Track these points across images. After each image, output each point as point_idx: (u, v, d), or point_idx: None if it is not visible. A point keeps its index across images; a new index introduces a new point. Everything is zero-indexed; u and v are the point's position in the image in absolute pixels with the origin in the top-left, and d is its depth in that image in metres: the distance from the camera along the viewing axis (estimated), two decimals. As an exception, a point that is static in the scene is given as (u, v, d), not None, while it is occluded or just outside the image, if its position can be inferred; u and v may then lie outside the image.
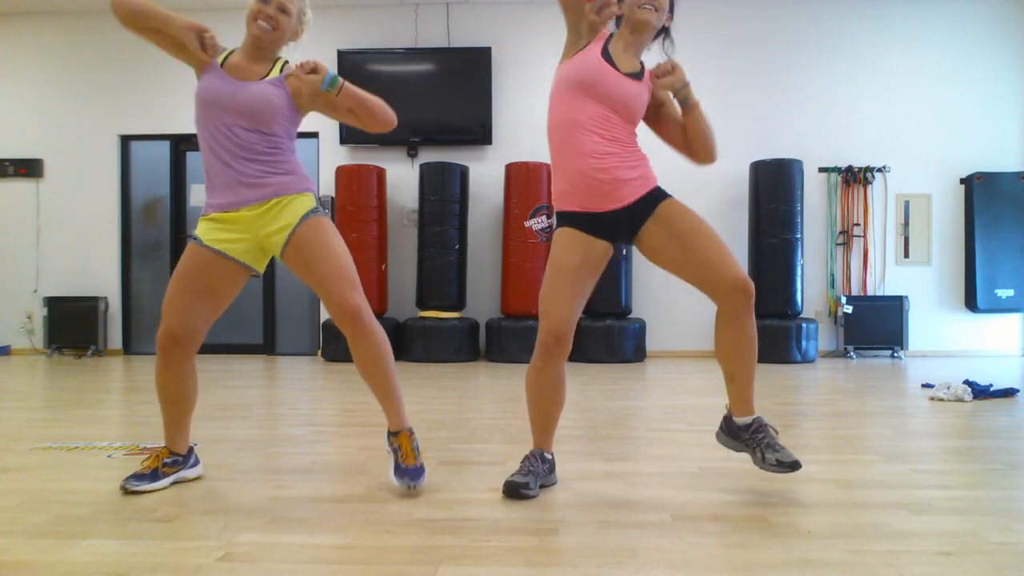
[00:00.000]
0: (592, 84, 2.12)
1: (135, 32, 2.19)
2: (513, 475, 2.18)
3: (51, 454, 2.72)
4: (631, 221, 2.16)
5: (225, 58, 2.26)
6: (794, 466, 2.07)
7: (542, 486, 2.23)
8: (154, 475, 2.23)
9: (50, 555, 1.68)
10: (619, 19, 2.26)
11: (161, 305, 2.21)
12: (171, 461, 2.28)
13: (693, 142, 2.24)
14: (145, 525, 1.89)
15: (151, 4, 2.14)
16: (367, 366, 2.22)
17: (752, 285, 2.08)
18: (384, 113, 2.24)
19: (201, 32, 2.14)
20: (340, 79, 2.16)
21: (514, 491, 2.12)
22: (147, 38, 2.20)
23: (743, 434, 2.18)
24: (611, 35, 2.25)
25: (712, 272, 2.09)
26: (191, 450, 2.36)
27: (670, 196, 2.18)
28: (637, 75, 2.18)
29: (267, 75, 2.23)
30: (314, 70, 2.11)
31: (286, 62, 2.29)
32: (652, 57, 2.24)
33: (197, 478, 2.35)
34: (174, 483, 2.28)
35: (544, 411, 2.24)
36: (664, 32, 2.28)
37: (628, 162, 2.15)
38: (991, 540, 1.77)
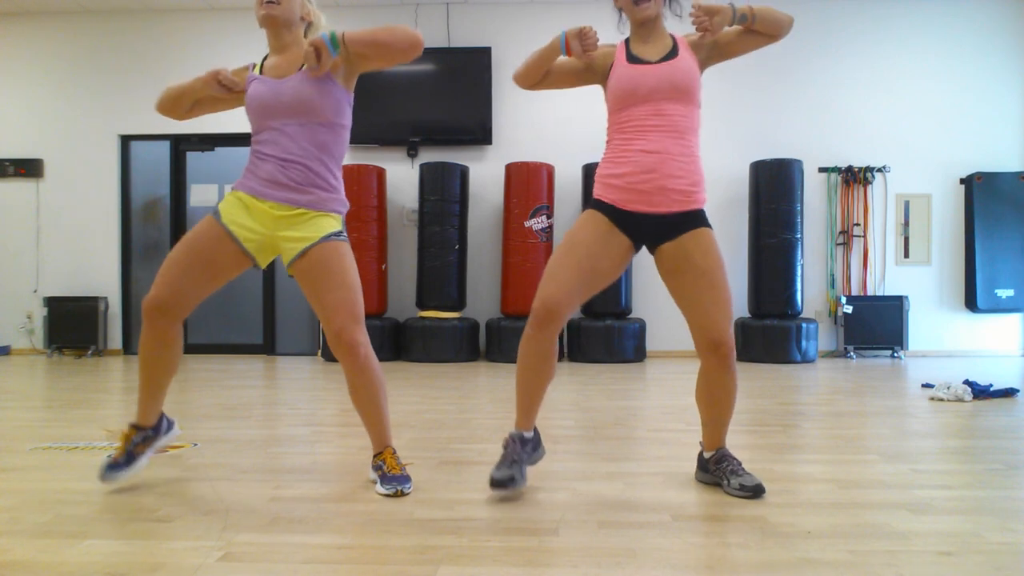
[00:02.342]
0: (633, 91, 2.14)
1: (188, 117, 2.34)
2: (498, 468, 2.14)
3: (51, 454, 2.72)
4: (658, 231, 2.15)
5: (261, 64, 2.27)
6: (756, 490, 2.12)
7: (530, 464, 2.25)
8: (129, 459, 2.20)
9: (50, 555, 1.68)
10: (620, 12, 2.27)
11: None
12: (141, 438, 2.24)
13: (768, 33, 2.19)
14: (145, 525, 1.89)
15: (174, 88, 2.26)
16: (359, 397, 2.23)
17: (728, 346, 2.12)
18: (397, 38, 2.10)
19: (215, 77, 2.19)
20: (338, 34, 2.10)
21: (500, 485, 2.11)
22: (200, 113, 2.34)
23: (710, 466, 2.26)
24: (627, 40, 2.26)
25: (701, 328, 2.12)
26: (161, 417, 2.30)
27: (707, 226, 2.16)
28: (670, 54, 2.18)
29: (303, 64, 2.20)
30: (316, 51, 2.07)
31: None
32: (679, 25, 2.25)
33: (179, 446, 2.31)
34: (157, 453, 2.24)
35: (531, 382, 2.20)
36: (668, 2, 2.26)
37: (677, 167, 2.12)
38: (991, 540, 1.77)
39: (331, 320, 2.15)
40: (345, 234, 2.25)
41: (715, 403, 2.21)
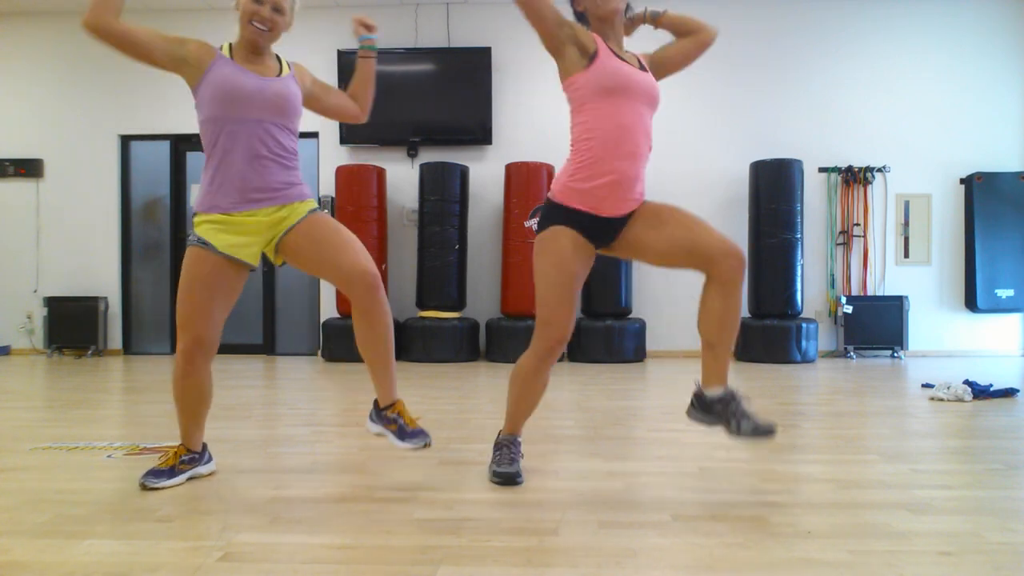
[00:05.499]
0: (627, 87, 2.09)
1: (117, 33, 2.39)
2: (500, 465, 2.28)
3: (51, 454, 2.72)
4: (619, 227, 2.19)
5: (230, 52, 2.27)
6: (769, 430, 2.03)
7: None
8: (172, 472, 2.27)
9: (50, 555, 1.68)
10: (581, 17, 2.21)
11: (169, 308, 2.27)
12: (188, 459, 2.32)
13: (685, 39, 2.28)
14: (145, 525, 1.89)
15: None
16: (374, 339, 2.21)
17: (743, 253, 2.09)
18: (364, 108, 2.45)
19: None
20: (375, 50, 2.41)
21: (510, 480, 2.23)
22: (129, 46, 2.37)
23: (716, 407, 2.12)
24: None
25: (701, 242, 2.07)
26: (205, 447, 2.39)
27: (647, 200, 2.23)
28: (642, 67, 2.21)
29: (280, 72, 2.27)
30: (370, 27, 2.36)
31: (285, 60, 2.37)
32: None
33: (210, 474, 2.36)
34: (189, 479, 2.31)
35: (529, 401, 2.32)
36: (628, 10, 2.23)
37: (644, 170, 2.20)
38: (991, 540, 1.77)
39: (346, 262, 2.15)
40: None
41: (725, 322, 2.09)
